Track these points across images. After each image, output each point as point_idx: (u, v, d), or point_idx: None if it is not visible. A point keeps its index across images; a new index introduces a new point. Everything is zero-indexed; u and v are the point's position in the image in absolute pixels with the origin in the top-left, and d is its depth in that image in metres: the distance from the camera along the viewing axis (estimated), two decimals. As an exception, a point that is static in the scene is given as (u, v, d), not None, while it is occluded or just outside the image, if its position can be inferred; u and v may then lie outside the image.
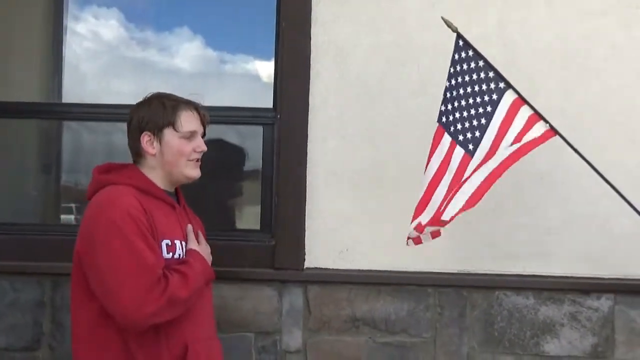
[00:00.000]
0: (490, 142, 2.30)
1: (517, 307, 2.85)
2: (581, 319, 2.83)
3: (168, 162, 2.18)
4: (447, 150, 2.41)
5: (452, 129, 2.40)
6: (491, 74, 2.33)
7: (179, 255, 2.13)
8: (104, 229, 1.97)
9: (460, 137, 2.37)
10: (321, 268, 2.90)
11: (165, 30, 3.25)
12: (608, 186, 2.34)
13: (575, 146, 2.35)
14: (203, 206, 3.17)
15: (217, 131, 3.11)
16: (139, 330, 1.97)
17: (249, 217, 3.11)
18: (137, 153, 2.21)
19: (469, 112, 2.36)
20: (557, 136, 2.30)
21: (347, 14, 2.90)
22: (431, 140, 2.48)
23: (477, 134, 2.33)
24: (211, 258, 2.29)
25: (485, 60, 2.35)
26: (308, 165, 2.89)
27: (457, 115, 2.38)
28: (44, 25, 3.30)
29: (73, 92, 3.18)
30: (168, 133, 2.16)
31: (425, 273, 2.87)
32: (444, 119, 2.44)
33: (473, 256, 2.87)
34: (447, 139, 2.41)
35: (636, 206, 2.36)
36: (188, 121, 2.20)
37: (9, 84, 3.26)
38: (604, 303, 2.83)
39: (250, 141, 3.08)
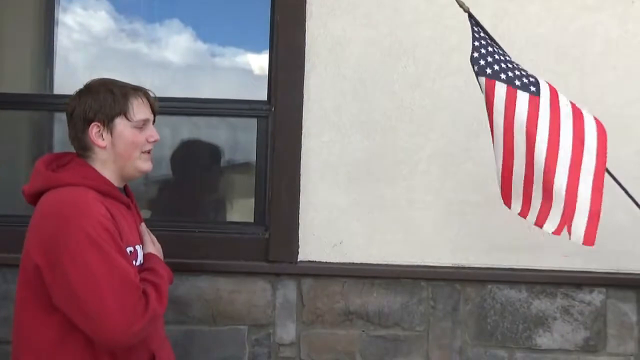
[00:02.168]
0: (549, 91, 2.22)
1: (510, 301, 2.86)
2: (573, 312, 2.85)
3: (120, 154, 1.99)
4: (507, 98, 2.21)
5: (502, 76, 2.22)
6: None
7: (140, 261, 1.99)
8: (76, 242, 1.76)
9: (517, 83, 2.22)
10: (315, 261, 2.89)
11: (156, 22, 3.23)
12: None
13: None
14: (197, 199, 3.18)
15: (211, 123, 3.11)
16: (117, 350, 1.84)
17: (242, 210, 3.10)
18: (84, 146, 1.99)
19: (512, 65, 2.27)
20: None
21: (342, 6, 2.89)
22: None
23: (532, 79, 2.24)
24: (162, 255, 2.14)
25: (497, 44, 2.33)
26: (302, 157, 2.88)
27: (503, 65, 2.24)
28: (36, 17, 3.27)
29: (64, 83, 3.16)
30: (120, 123, 1.97)
31: (418, 266, 2.87)
32: (488, 71, 2.22)
33: (466, 250, 2.87)
34: (501, 87, 2.21)
35: (631, 200, 2.37)
36: (140, 109, 2.01)
37: (0, 76, 3.23)
38: (596, 297, 2.85)
39: (245, 134, 3.07)
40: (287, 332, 2.86)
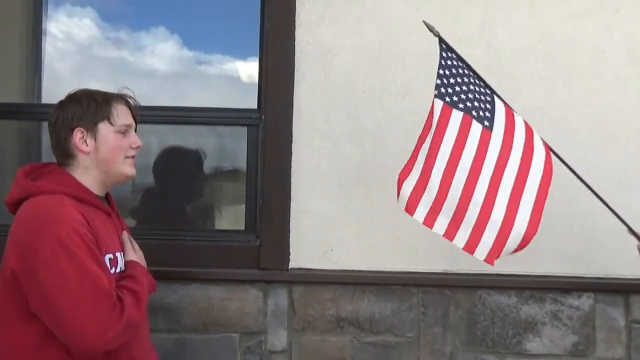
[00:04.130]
0: (504, 125, 2.28)
1: (500, 306, 2.88)
2: (562, 317, 2.87)
3: (104, 159, 2.01)
4: (461, 126, 2.27)
5: (461, 105, 2.29)
6: (477, 80, 2.35)
7: (120, 268, 2.00)
8: (49, 248, 1.78)
9: (474, 113, 2.28)
10: (306, 268, 2.89)
11: (144, 30, 3.23)
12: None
13: (558, 145, 2.39)
14: (188, 207, 3.18)
15: (201, 132, 3.11)
16: (96, 356, 1.84)
17: (233, 218, 3.10)
18: (67, 154, 2.01)
19: (474, 95, 2.32)
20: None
21: (331, 15, 2.90)
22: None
23: (488, 114, 2.30)
24: (145, 263, 2.15)
25: (469, 66, 2.36)
26: (293, 165, 2.89)
27: (463, 96, 2.30)
28: (22, 27, 3.26)
29: (52, 92, 3.14)
30: (103, 127, 2.00)
31: (409, 273, 2.88)
32: (447, 99, 2.29)
33: (456, 256, 2.86)
34: (457, 115, 2.28)
35: (617, 206, 2.40)
36: (122, 114, 2.05)
37: (-12, 85, 3.22)
38: (584, 302, 2.87)
39: (235, 142, 3.07)
40: (278, 339, 2.86)
